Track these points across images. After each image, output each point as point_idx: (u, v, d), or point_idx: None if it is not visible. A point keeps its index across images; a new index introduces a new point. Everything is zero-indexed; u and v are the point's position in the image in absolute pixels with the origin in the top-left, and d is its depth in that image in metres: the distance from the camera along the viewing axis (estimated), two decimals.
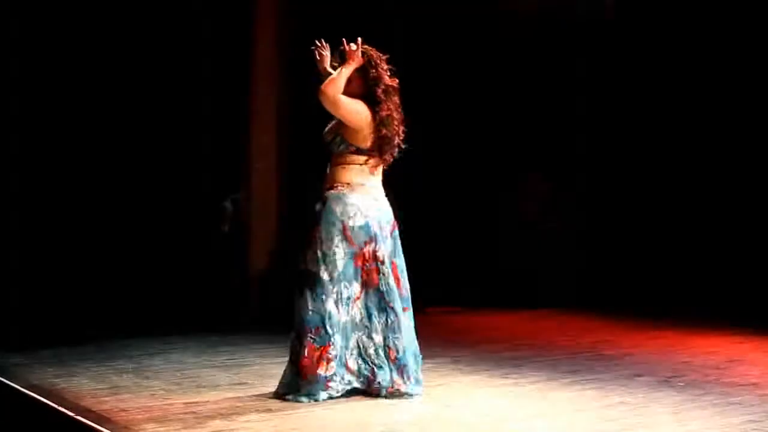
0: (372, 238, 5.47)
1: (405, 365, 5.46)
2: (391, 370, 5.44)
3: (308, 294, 5.42)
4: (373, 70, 5.53)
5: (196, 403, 5.42)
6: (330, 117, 5.57)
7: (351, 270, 5.44)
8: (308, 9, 9.09)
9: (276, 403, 5.39)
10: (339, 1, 9.28)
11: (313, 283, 5.41)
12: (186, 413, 5.17)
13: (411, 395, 5.44)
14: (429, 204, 9.55)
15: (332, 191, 5.49)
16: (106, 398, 5.55)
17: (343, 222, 5.44)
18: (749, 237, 9.33)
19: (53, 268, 8.85)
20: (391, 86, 5.56)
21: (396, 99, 5.58)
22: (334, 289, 5.41)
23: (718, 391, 5.64)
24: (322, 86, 5.45)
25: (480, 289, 9.52)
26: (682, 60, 9.74)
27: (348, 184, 5.50)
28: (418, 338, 5.66)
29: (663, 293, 9.42)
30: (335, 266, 5.41)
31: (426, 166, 8.85)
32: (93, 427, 4.89)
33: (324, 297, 5.40)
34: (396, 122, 5.56)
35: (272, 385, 5.82)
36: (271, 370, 6.34)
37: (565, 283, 9.51)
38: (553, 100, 10.05)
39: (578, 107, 10.05)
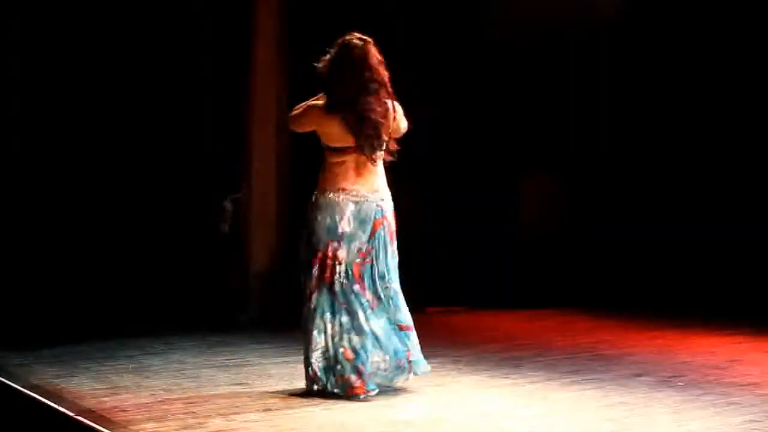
0: (337, 238, 5.53)
1: (363, 365, 5.45)
2: (343, 374, 5.45)
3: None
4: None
5: (196, 403, 5.42)
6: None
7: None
8: (308, 9, 9.09)
9: (276, 403, 5.39)
10: (339, 1, 9.28)
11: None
12: (186, 413, 5.17)
13: (361, 397, 5.43)
14: (426, 204, 9.55)
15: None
16: (106, 398, 5.55)
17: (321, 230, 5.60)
18: (749, 236, 9.33)
19: (53, 268, 8.85)
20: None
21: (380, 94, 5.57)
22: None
23: (718, 391, 5.63)
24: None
25: (480, 290, 9.51)
26: (682, 59, 9.74)
27: (323, 188, 5.62)
28: (418, 338, 5.67)
29: (663, 293, 9.41)
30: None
31: (425, 164, 8.86)
32: (93, 427, 4.90)
33: None
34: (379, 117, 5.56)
35: (272, 385, 5.84)
36: (271, 370, 6.36)
37: (564, 284, 9.51)
38: (553, 100, 10.06)
39: (576, 107, 10.06)
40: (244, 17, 8.92)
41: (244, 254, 8.96)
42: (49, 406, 5.37)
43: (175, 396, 5.61)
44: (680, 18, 9.73)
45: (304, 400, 5.45)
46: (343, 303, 5.51)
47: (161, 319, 8.33)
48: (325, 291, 5.53)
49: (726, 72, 9.49)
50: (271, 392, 5.66)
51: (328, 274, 5.53)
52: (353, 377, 5.43)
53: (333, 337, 5.49)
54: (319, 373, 5.51)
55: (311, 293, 5.54)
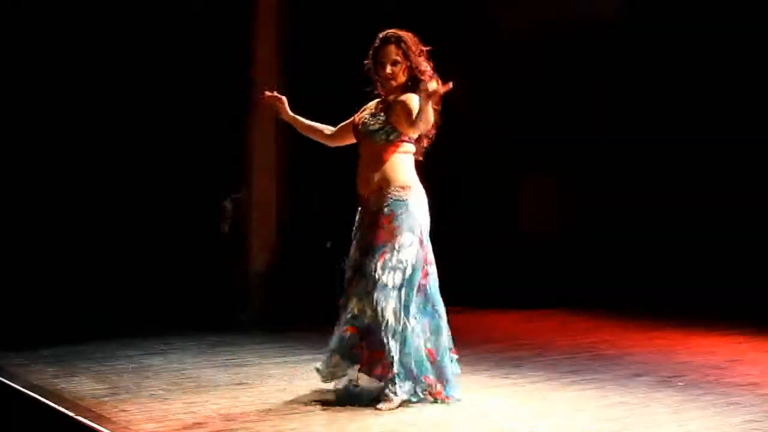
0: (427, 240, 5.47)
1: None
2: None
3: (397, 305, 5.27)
4: (414, 59, 5.70)
5: (196, 403, 5.42)
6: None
7: (417, 276, 5.37)
8: (308, 9, 9.09)
9: (276, 403, 5.39)
10: (339, 1, 9.28)
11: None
12: (186, 413, 5.17)
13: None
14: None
15: (411, 193, 5.37)
16: (106, 398, 5.55)
17: (421, 227, 5.38)
18: (749, 237, 9.34)
19: (53, 268, 8.85)
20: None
21: None
22: (394, 294, 5.26)
23: (718, 391, 5.64)
24: (412, 128, 5.36)
25: (481, 290, 9.51)
26: (682, 60, 9.75)
27: (417, 184, 5.43)
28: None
29: (663, 293, 9.41)
30: (404, 273, 5.28)
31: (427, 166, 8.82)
32: (93, 427, 4.90)
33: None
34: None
35: (272, 385, 5.84)
36: (271, 370, 6.36)
37: (564, 284, 9.52)
38: (553, 101, 10.05)
39: (576, 108, 10.06)
40: (244, 17, 8.92)
41: (244, 254, 8.96)
42: (49, 406, 5.37)
43: (175, 396, 5.61)
44: (679, 20, 9.74)
45: (304, 400, 5.45)
46: (433, 304, 5.50)
47: (161, 319, 8.32)
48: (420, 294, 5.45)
49: (725, 72, 9.49)
50: (271, 392, 5.66)
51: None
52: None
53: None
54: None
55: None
